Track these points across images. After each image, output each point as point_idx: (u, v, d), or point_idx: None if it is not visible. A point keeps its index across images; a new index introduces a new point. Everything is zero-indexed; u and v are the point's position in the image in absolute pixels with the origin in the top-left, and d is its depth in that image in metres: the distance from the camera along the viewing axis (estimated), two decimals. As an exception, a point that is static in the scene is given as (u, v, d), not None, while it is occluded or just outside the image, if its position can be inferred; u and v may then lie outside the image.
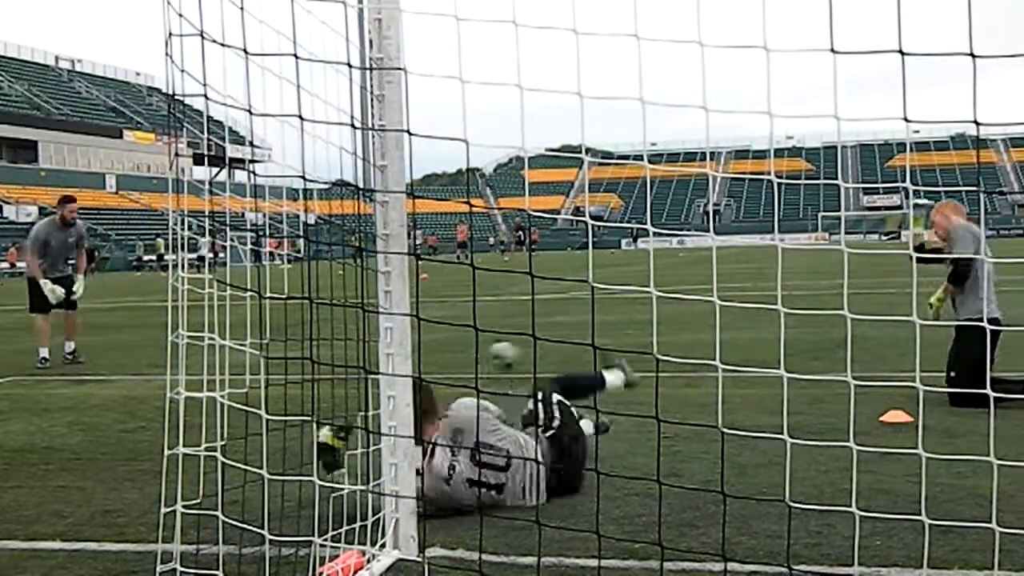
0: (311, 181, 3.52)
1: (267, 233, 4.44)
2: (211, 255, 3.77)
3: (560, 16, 3.28)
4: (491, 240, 76.15)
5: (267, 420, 3.47)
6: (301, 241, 4.01)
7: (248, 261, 3.89)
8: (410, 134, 3.65)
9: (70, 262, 12.08)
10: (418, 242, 57.64)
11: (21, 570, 4.04)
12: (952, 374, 6.91)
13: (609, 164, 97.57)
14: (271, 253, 4.40)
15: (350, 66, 3.78)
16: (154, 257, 58.34)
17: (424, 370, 4.04)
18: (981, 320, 6.53)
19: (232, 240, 3.82)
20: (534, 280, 3.36)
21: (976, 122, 2.97)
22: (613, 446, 5.83)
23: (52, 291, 11.31)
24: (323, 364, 3.68)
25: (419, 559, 3.95)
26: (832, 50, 3.00)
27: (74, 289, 11.61)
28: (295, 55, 3.35)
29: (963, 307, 7.15)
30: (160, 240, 55.89)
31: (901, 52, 2.92)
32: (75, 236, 11.80)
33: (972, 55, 2.85)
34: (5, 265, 53.12)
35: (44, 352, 11.31)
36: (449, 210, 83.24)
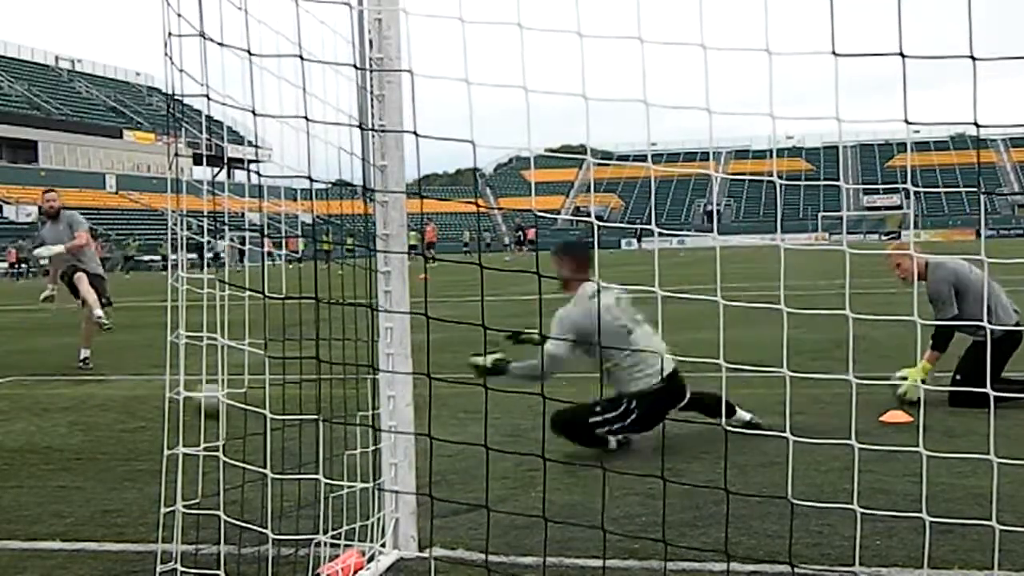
0: (315, 181, 3.52)
1: (267, 233, 4.43)
2: (236, 255, 3.78)
3: (559, 17, 3.28)
4: (506, 240, 75.88)
5: (270, 420, 3.47)
6: (300, 241, 4.01)
7: (248, 260, 3.89)
8: (417, 135, 3.64)
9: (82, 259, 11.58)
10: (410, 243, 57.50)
11: (21, 570, 4.04)
12: (958, 377, 6.87)
13: (609, 164, 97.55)
14: (286, 253, 4.40)
15: (356, 67, 3.78)
16: (157, 257, 58.64)
17: (424, 370, 4.04)
18: (983, 332, 6.50)
19: (233, 240, 3.81)
20: (541, 280, 3.36)
21: (976, 124, 2.97)
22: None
23: (47, 295, 11.16)
24: (333, 364, 3.68)
25: (422, 557, 3.95)
26: (834, 53, 3.01)
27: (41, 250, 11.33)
28: (300, 56, 3.35)
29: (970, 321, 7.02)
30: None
31: (902, 55, 2.93)
32: (65, 225, 11.40)
33: (972, 58, 2.86)
34: (4, 265, 53.16)
35: (98, 311, 11.01)
36: (449, 210, 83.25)
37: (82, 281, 11.11)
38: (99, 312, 10.91)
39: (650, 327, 5.93)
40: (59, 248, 11.22)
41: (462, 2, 3.38)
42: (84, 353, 11.17)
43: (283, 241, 4.52)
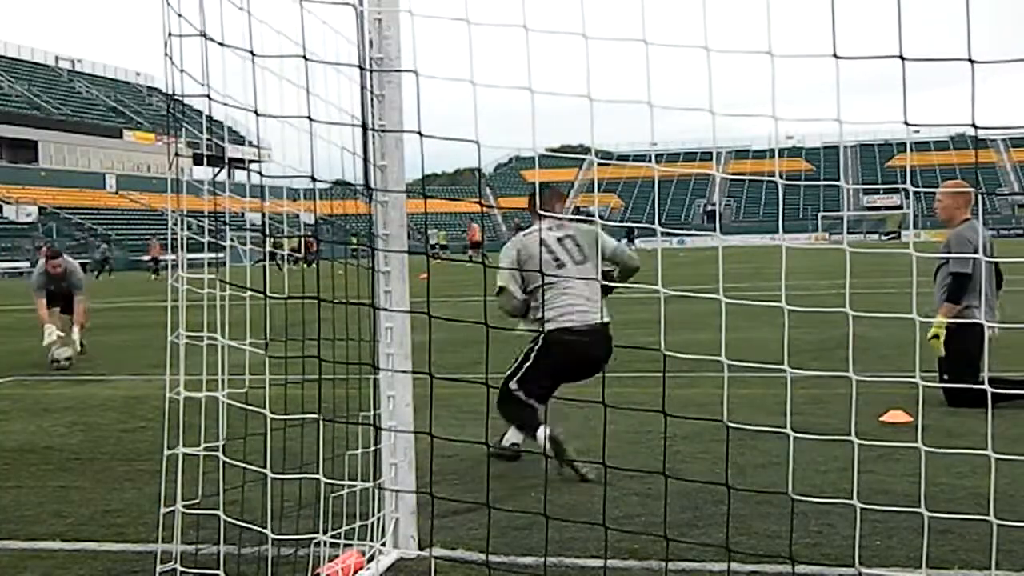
0: (318, 181, 3.52)
1: (268, 233, 4.43)
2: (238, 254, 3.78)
3: (554, 16, 3.28)
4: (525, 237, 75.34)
5: (271, 419, 3.47)
6: (301, 243, 4.01)
7: (248, 260, 3.89)
8: (421, 135, 3.64)
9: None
10: (432, 241, 57.34)
11: (21, 570, 4.04)
12: (945, 376, 6.89)
13: (609, 164, 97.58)
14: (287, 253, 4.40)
15: (362, 68, 3.78)
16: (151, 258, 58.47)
17: (423, 370, 4.04)
18: (970, 322, 6.52)
19: (232, 240, 3.81)
20: (545, 279, 3.36)
21: (974, 125, 3.00)
22: (612, 446, 5.83)
23: (51, 334, 11.33)
24: (337, 363, 3.68)
25: (422, 557, 3.95)
26: (835, 55, 3.04)
27: (73, 337, 11.58)
28: (304, 57, 3.35)
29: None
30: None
31: (902, 58, 2.97)
32: (67, 284, 11.84)
33: (971, 60, 2.89)
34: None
35: (54, 335, 11.17)
36: (450, 210, 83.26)
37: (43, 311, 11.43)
38: (59, 352, 11.07)
39: (589, 271, 5.59)
40: (77, 340, 11.63)
41: (465, 3, 3.38)
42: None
43: (284, 241, 4.53)
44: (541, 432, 5.30)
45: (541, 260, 5.34)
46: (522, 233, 5.88)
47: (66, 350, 11.07)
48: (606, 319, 5.50)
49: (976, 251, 6.84)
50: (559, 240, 5.67)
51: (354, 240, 4.55)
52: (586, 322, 5.49)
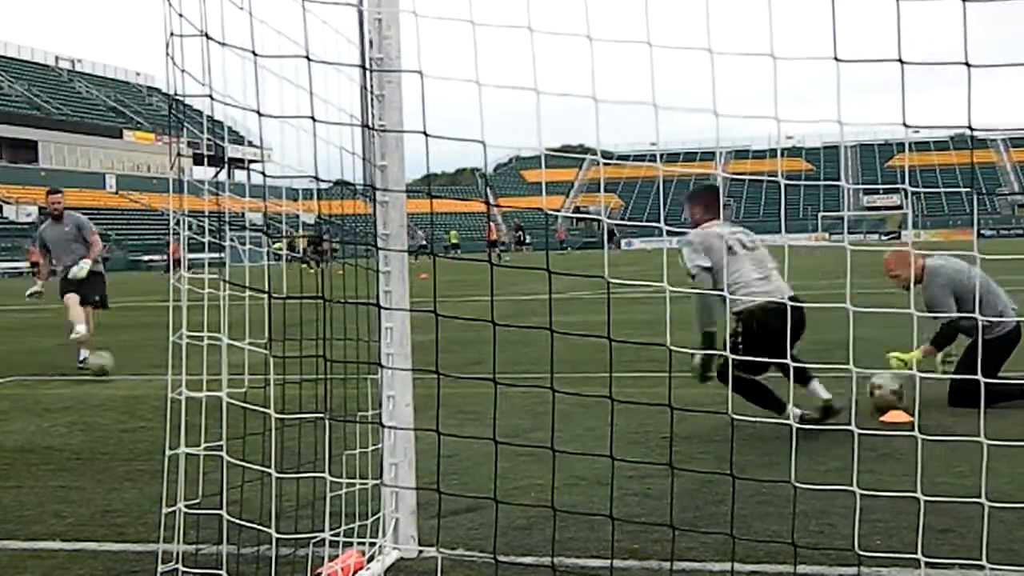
0: (322, 181, 3.53)
1: (269, 233, 4.43)
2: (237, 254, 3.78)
3: (552, 16, 3.29)
4: (527, 239, 75.35)
5: (275, 419, 3.47)
6: (299, 242, 4.01)
7: (247, 260, 3.89)
8: (427, 135, 3.64)
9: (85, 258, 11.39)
10: (422, 243, 57.67)
11: (21, 570, 4.05)
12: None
13: (609, 164, 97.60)
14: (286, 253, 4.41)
15: (365, 69, 3.78)
16: (157, 257, 58.41)
17: (424, 368, 4.04)
18: (986, 333, 6.50)
19: (232, 239, 3.81)
20: (551, 277, 3.36)
21: (970, 127, 3.04)
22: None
23: (33, 291, 11.24)
24: (337, 363, 3.68)
25: (422, 557, 3.95)
26: (835, 58, 3.08)
27: (73, 270, 11.06)
28: (307, 57, 3.36)
29: (970, 322, 7.02)
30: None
31: (900, 61, 3.04)
32: (72, 227, 11.24)
33: (967, 64, 2.94)
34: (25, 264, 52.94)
35: (80, 328, 10.77)
36: (452, 210, 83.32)
37: (73, 303, 11.03)
38: (80, 328, 10.74)
39: (764, 259, 6.34)
40: (88, 264, 11.14)
41: (470, 4, 3.38)
42: (83, 354, 11.15)
43: (284, 241, 4.54)
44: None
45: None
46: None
47: (90, 351, 10.77)
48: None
49: (953, 293, 6.82)
50: (732, 234, 6.39)
51: (333, 241, 4.55)
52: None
